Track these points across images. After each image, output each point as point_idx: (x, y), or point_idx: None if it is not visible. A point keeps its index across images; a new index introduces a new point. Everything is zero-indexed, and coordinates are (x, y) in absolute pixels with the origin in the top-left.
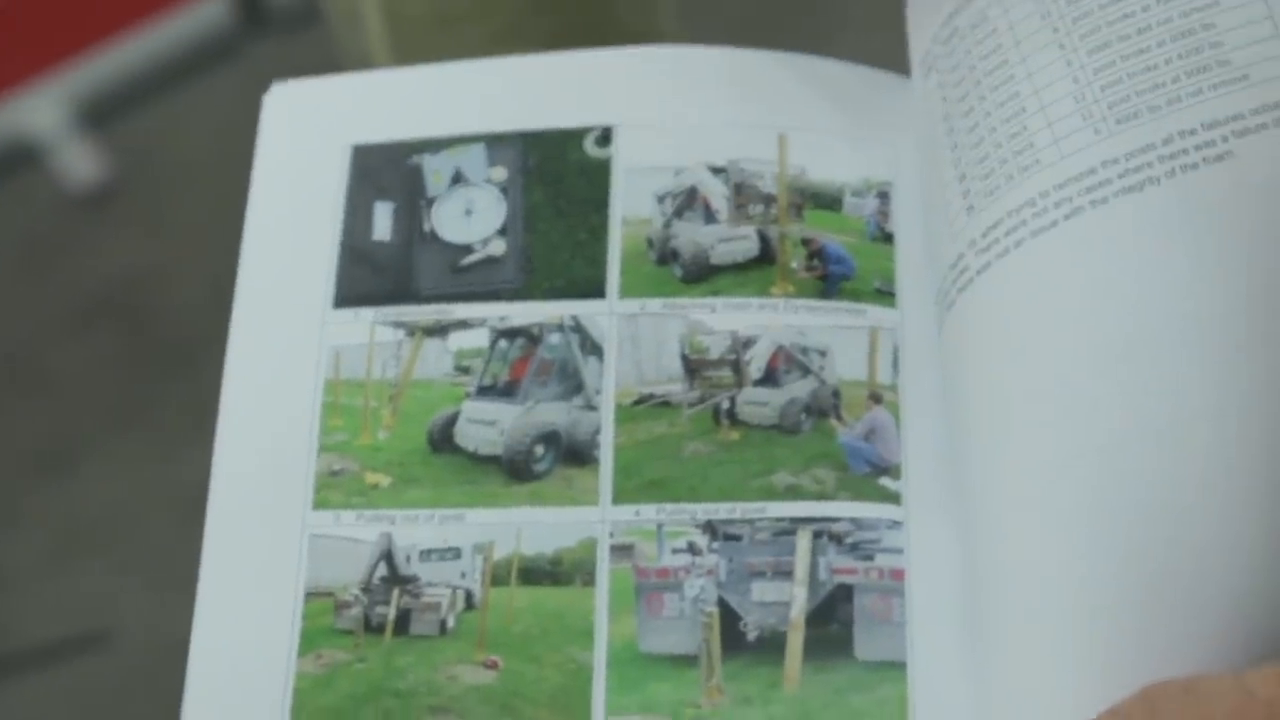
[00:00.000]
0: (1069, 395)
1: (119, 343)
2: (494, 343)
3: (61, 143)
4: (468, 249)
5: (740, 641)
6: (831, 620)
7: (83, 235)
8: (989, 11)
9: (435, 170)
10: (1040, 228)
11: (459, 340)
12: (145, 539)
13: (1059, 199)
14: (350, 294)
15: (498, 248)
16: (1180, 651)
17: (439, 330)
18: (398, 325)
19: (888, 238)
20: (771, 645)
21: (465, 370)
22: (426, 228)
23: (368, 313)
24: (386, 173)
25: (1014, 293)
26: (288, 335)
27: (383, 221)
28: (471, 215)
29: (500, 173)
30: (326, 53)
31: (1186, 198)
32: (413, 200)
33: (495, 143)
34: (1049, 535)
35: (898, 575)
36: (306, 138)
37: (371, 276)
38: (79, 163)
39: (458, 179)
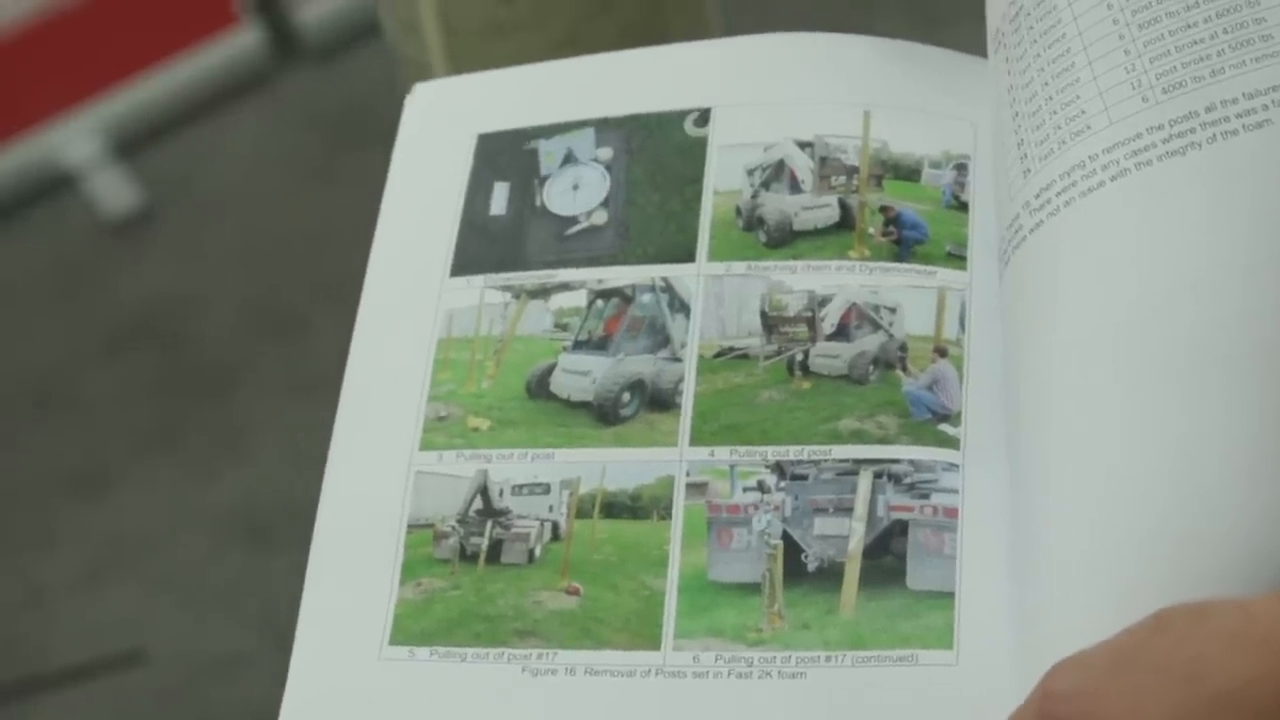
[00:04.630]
0: (1109, 340)
1: (152, 367)
2: (591, 302)
3: (96, 171)
4: (573, 220)
5: (801, 571)
6: (886, 552)
7: (116, 262)
8: None
9: (549, 152)
10: (1089, 188)
11: (560, 301)
12: (177, 560)
13: (1106, 162)
14: (465, 262)
15: (600, 218)
16: (1197, 585)
17: (542, 292)
18: (505, 289)
19: (963, 206)
20: (830, 575)
21: (564, 327)
22: (538, 202)
23: (479, 279)
24: (506, 156)
25: (1063, 247)
26: (409, 301)
27: (499, 198)
28: (578, 190)
29: (606, 153)
30: (357, 83)
31: (1227, 161)
32: (527, 179)
33: (603, 127)
34: (1087, 473)
35: (951, 513)
36: (439, 129)
37: (486, 247)
38: (113, 191)
39: (568, 159)
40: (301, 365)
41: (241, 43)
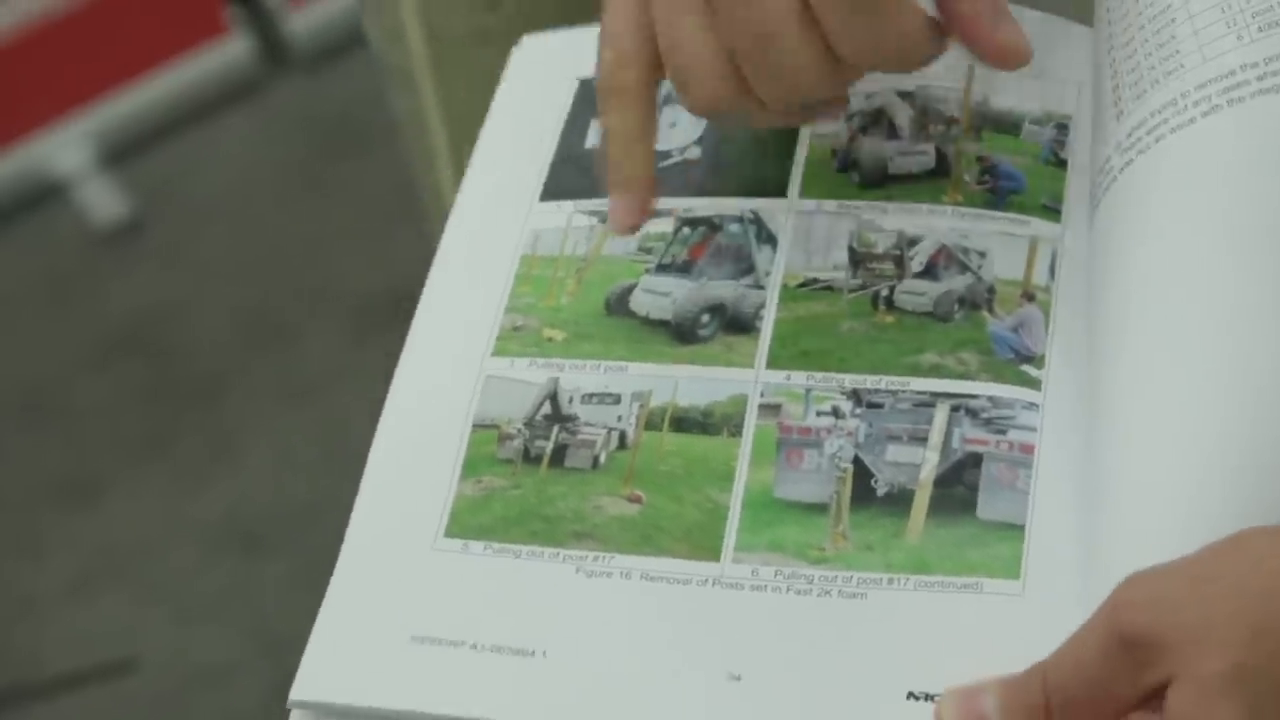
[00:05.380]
0: (1197, 277)
1: (142, 376)
2: (678, 229)
3: (85, 180)
4: (667, 154)
5: (870, 495)
6: (959, 483)
7: (106, 271)
8: None
9: None
10: (1179, 125)
11: (646, 226)
12: (168, 569)
13: (1198, 98)
14: (556, 189)
15: (694, 154)
16: (1274, 515)
17: None
18: (593, 214)
19: (1061, 163)
20: (899, 500)
21: (648, 251)
22: None
23: (568, 204)
24: None
25: (1152, 181)
26: (497, 220)
27: (595, 134)
28: (675, 127)
29: None
30: (346, 92)
31: None
32: None
33: None
34: (1167, 402)
35: (1028, 449)
36: (541, 74)
37: (577, 176)
38: (103, 200)
39: (668, 100)
40: (292, 373)
41: (230, 52)
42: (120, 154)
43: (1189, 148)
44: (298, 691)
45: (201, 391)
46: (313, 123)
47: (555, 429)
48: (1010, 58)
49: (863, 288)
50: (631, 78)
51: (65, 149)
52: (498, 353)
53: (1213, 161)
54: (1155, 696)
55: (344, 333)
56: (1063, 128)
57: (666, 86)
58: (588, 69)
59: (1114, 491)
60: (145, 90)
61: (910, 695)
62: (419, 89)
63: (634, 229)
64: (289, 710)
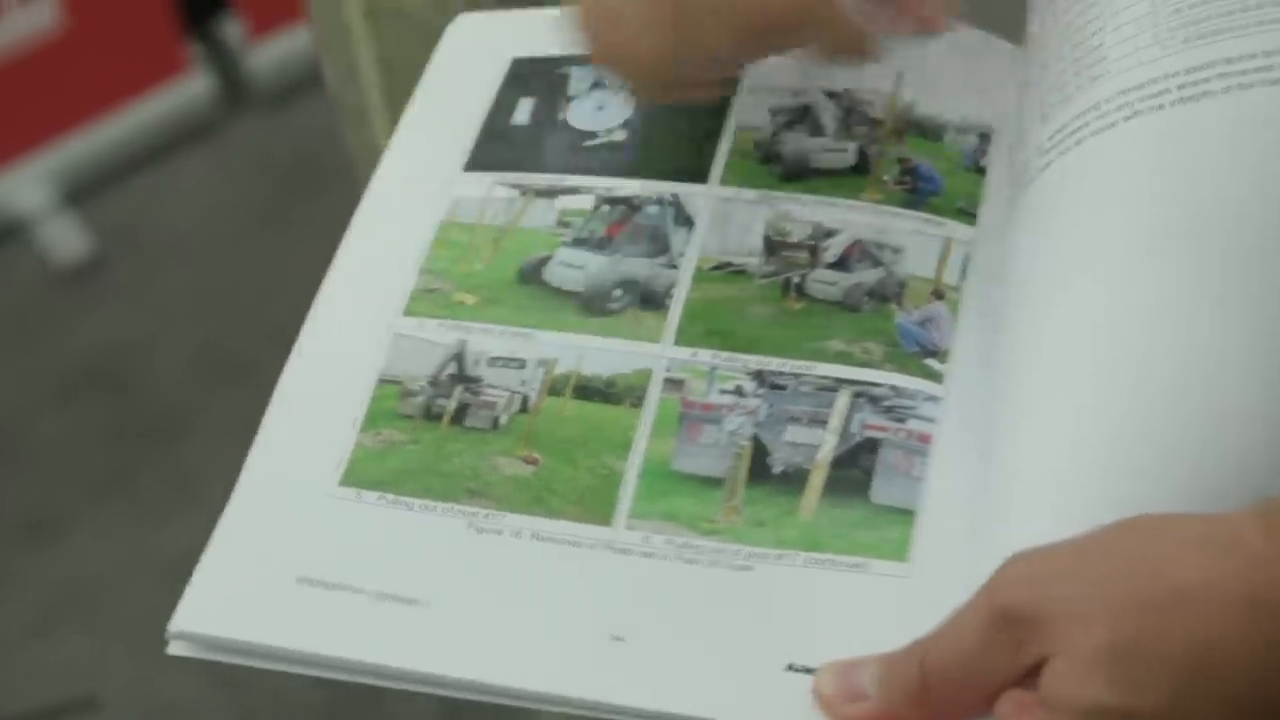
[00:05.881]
0: (1102, 274)
1: (103, 414)
2: (597, 206)
3: (46, 219)
4: (592, 135)
5: (766, 473)
6: (854, 466)
7: (67, 309)
8: None
9: (579, 77)
10: (1100, 128)
11: (565, 201)
12: (129, 606)
13: (1121, 103)
14: (480, 161)
15: (619, 136)
16: (1166, 507)
17: (549, 192)
18: (515, 187)
19: (981, 171)
20: (794, 480)
21: (566, 225)
22: (560, 117)
23: (490, 176)
24: (537, 77)
25: (1070, 183)
26: (416, 188)
27: (523, 112)
28: (603, 110)
29: None
30: (306, 130)
31: (1239, 112)
32: (554, 97)
33: None
34: (1065, 395)
35: (925, 439)
36: (475, 50)
37: (503, 150)
38: (63, 238)
39: (597, 84)
40: (253, 410)
41: (190, 90)
42: (81, 193)
43: (1107, 151)
44: (178, 622)
45: (163, 428)
46: (272, 161)
47: (459, 389)
48: (928, 25)
49: (775, 274)
50: None
51: (26, 188)
52: (409, 312)
53: (1128, 165)
54: (1032, 674)
55: None
56: (985, 137)
57: (595, 72)
58: (522, 49)
59: (1005, 479)
60: (105, 129)
61: (790, 667)
62: (372, 123)
63: None
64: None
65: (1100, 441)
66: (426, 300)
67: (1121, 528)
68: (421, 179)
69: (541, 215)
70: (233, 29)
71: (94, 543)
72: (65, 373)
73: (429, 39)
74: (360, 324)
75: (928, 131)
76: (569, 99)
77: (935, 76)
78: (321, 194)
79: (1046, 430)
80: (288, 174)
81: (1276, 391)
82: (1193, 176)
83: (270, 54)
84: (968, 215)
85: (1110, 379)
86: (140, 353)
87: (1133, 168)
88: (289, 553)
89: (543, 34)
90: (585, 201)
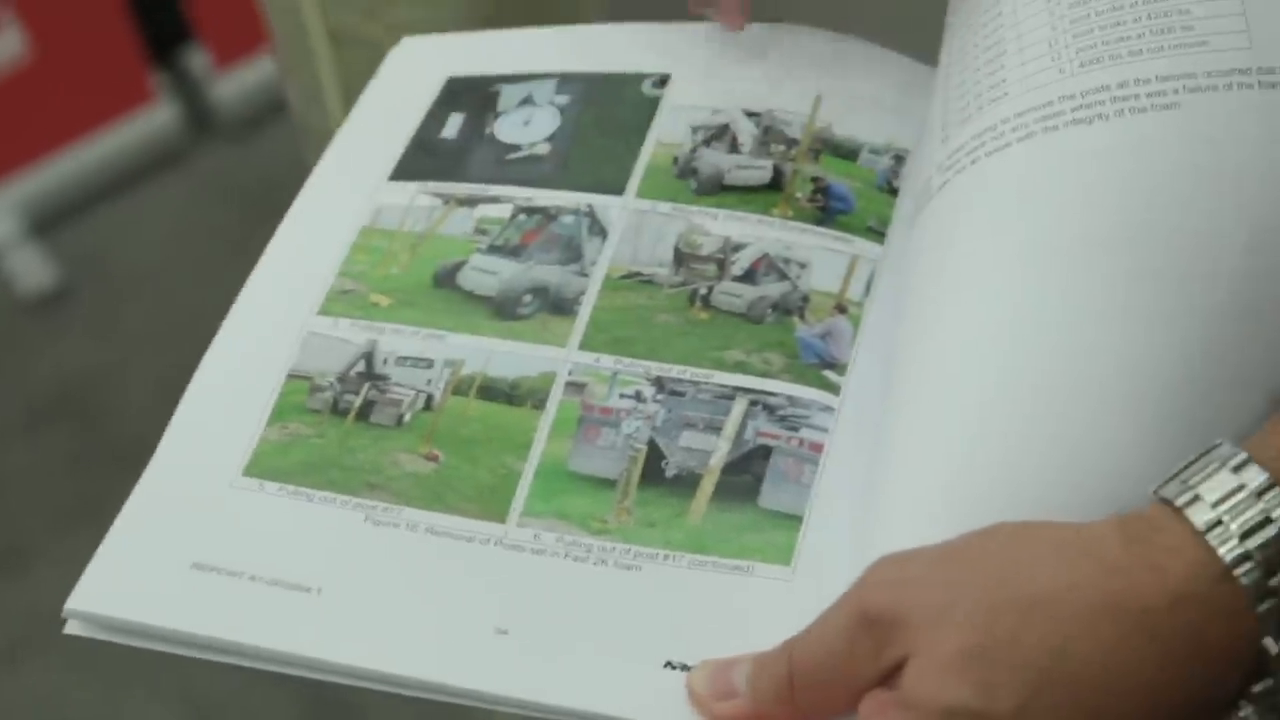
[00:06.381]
0: (990, 286)
1: (69, 443)
2: (514, 215)
3: (11, 249)
4: (516, 148)
5: (659, 476)
6: (745, 472)
7: (34, 338)
8: None
9: (510, 94)
10: (995, 148)
11: (485, 210)
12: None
13: (1016, 124)
14: (406, 171)
15: (542, 149)
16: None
17: (469, 201)
18: (437, 195)
19: (894, 191)
20: (686, 484)
21: (483, 233)
22: (487, 131)
23: (414, 185)
24: (469, 94)
25: (964, 201)
26: (342, 196)
27: (453, 126)
28: (529, 125)
29: (564, 99)
30: (272, 158)
31: (1131, 135)
32: (483, 113)
33: (567, 79)
34: (950, 402)
35: (816, 448)
36: (413, 70)
37: (428, 161)
38: (29, 269)
39: (526, 101)
40: None
41: (156, 120)
42: (47, 222)
43: (1000, 170)
44: (74, 601)
45: (130, 458)
46: (238, 189)
47: (366, 386)
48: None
49: (683, 285)
50: None
51: None
52: (323, 312)
53: (1019, 184)
54: (894, 675)
55: None
56: (900, 159)
57: (525, 90)
58: (458, 68)
59: (883, 485)
60: (71, 158)
61: (668, 664)
62: None
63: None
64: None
65: (970, 449)
66: (342, 301)
67: (984, 534)
68: (348, 188)
69: (460, 223)
70: (198, 59)
71: (60, 572)
72: (31, 402)
73: None
74: (275, 322)
75: (843, 152)
76: (497, 114)
77: (854, 99)
78: None
79: (921, 437)
80: (254, 203)
81: (1149, 406)
82: (1080, 197)
83: (236, 83)
84: (877, 234)
85: (983, 388)
86: (107, 382)
87: (1023, 187)
88: (187, 538)
89: (481, 54)
90: (504, 210)
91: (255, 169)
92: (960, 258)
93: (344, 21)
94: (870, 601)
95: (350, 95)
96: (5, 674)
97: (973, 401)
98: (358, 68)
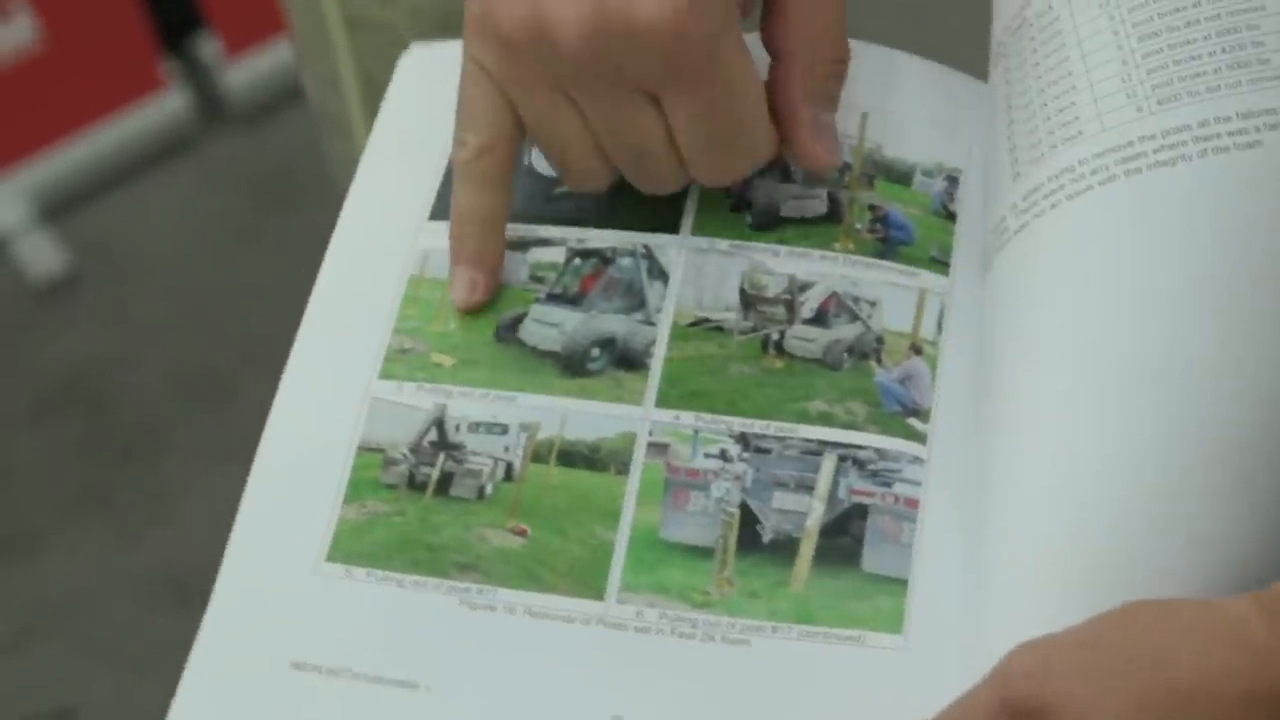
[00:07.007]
0: (1085, 343)
1: (78, 430)
2: (569, 260)
3: (22, 236)
4: (558, 181)
5: (755, 542)
6: (844, 534)
7: (43, 325)
8: (1054, 2)
9: None
10: (1076, 192)
11: (538, 254)
12: (106, 622)
13: (1096, 167)
14: (446, 209)
15: None
16: (1159, 586)
17: (520, 245)
18: None
19: (951, 216)
20: (784, 549)
21: (540, 280)
22: (526, 162)
23: None
24: None
25: (1046, 249)
26: (384, 238)
27: None
28: None
29: None
30: (283, 146)
31: (1216, 177)
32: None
33: None
34: (1053, 472)
35: (912, 503)
36: (430, 86)
37: None
38: (39, 255)
39: None
40: (229, 428)
41: (167, 107)
42: (57, 209)
43: (1085, 216)
44: (176, 714)
45: (138, 445)
46: (249, 177)
47: (441, 456)
48: (817, 166)
49: (753, 330)
50: (494, 163)
51: (2, 204)
52: (385, 375)
53: (1107, 233)
54: None
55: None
56: (953, 180)
57: None
58: None
59: (997, 553)
60: (82, 146)
61: None
62: (354, 135)
63: (480, 305)
64: None
65: (1081, 512)
66: (402, 362)
67: (1124, 617)
68: (386, 230)
69: (514, 269)
70: (209, 46)
71: (69, 559)
72: (40, 389)
73: None
74: (336, 388)
75: (896, 175)
76: (530, 141)
77: (899, 115)
78: (298, 211)
79: (1028, 500)
80: (264, 191)
81: (1262, 457)
82: (1171, 244)
83: (247, 71)
84: (940, 264)
85: (1090, 447)
86: (116, 369)
87: (1110, 235)
88: (281, 637)
89: None
90: (557, 254)
91: (266, 157)
92: (1051, 311)
93: (360, 6)
94: (1014, 692)
95: (367, 83)
96: (12, 661)
97: (1080, 462)
98: (374, 55)
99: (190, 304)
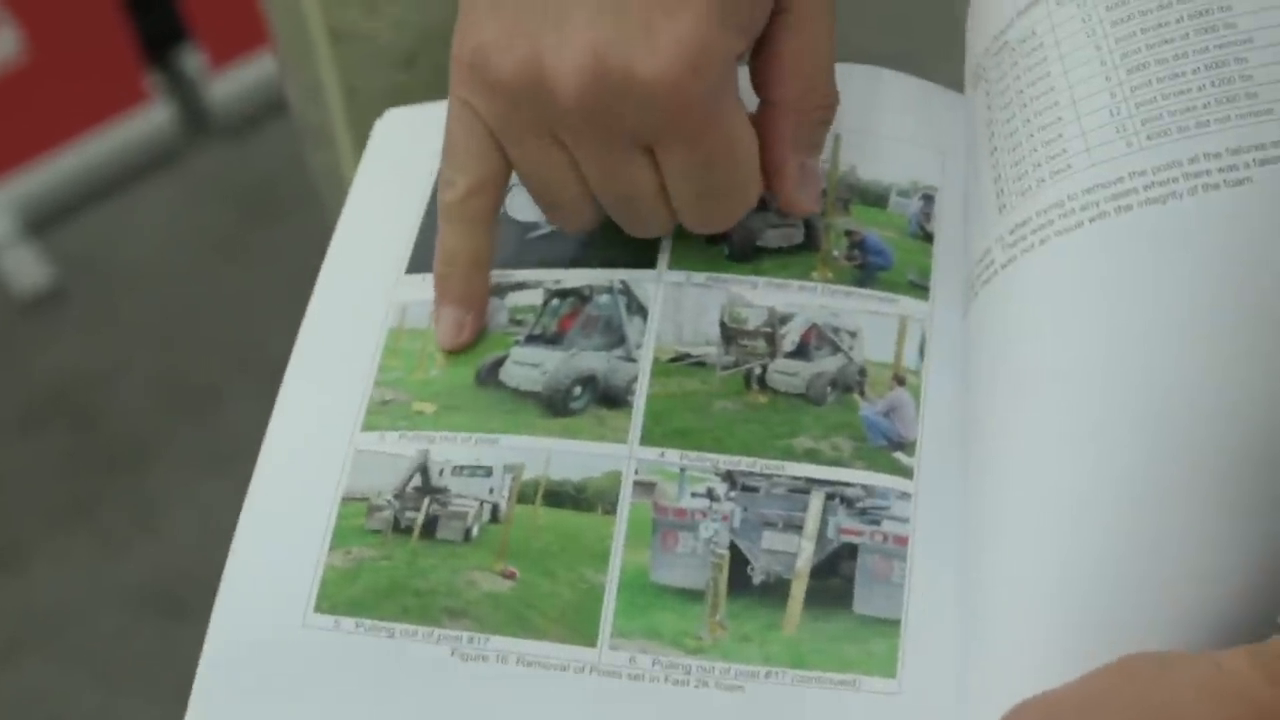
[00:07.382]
0: (1073, 382)
1: (66, 442)
2: (547, 300)
3: (7, 249)
4: (535, 225)
5: (746, 584)
6: (834, 574)
7: (29, 338)
8: (1037, 28)
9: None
10: (1066, 228)
11: (515, 298)
12: (93, 634)
13: (1086, 203)
14: (423, 261)
15: None
16: (1156, 629)
17: (497, 290)
18: None
19: (928, 237)
20: (775, 591)
21: (519, 323)
22: (501, 211)
23: None
24: None
25: (1035, 285)
26: (362, 292)
27: None
28: None
29: None
30: (268, 159)
31: (1206, 214)
32: None
33: None
34: (1042, 514)
35: (901, 541)
36: (406, 147)
37: None
38: (24, 268)
39: None
40: (215, 440)
41: (152, 119)
42: (42, 222)
43: (1076, 253)
44: None
45: (124, 457)
46: (234, 189)
47: (426, 500)
48: (799, 211)
49: (735, 365)
50: (482, 205)
51: None
52: (367, 427)
53: (1099, 271)
54: None
55: (266, 399)
56: (929, 199)
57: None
58: None
59: (989, 591)
60: (67, 158)
61: None
62: (336, 145)
63: (466, 346)
64: None
65: (1070, 554)
66: (384, 413)
67: (1122, 675)
68: (364, 285)
69: (492, 315)
70: (193, 59)
71: (56, 571)
72: (26, 402)
73: (391, 64)
74: (319, 442)
75: (871, 197)
76: (508, 190)
77: (874, 133)
78: (283, 223)
79: (1016, 541)
80: (249, 203)
81: (1251, 498)
82: (1164, 283)
83: (231, 83)
84: (919, 289)
85: (1078, 487)
86: (101, 382)
87: (1103, 273)
88: (273, 694)
89: None
90: (535, 296)
91: (251, 169)
92: (1039, 348)
93: (344, 17)
94: None
95: (350, 94)
96: (4, 670)
97: (1068, 502)
98: (357, 64)
99: (176, 315)
